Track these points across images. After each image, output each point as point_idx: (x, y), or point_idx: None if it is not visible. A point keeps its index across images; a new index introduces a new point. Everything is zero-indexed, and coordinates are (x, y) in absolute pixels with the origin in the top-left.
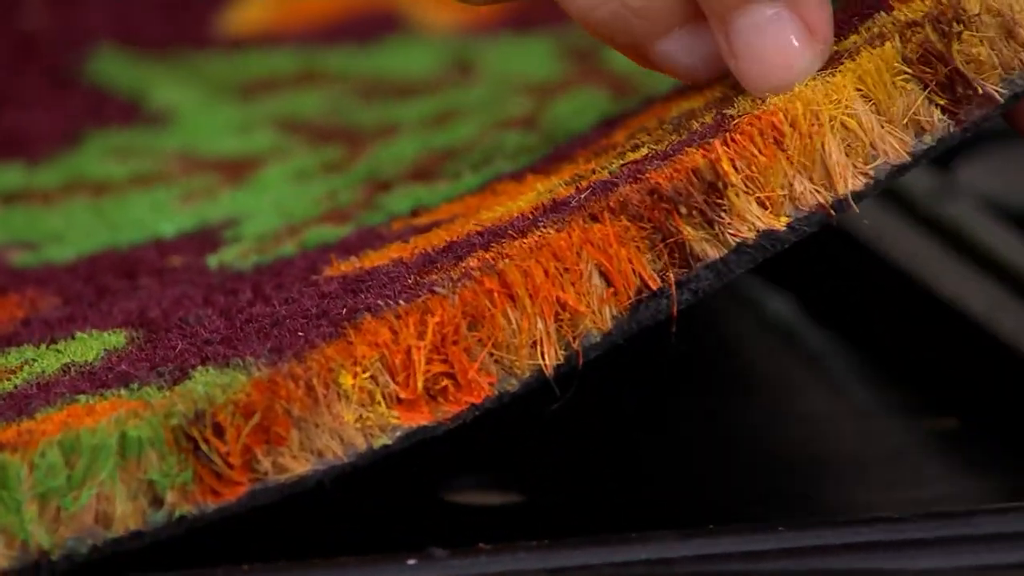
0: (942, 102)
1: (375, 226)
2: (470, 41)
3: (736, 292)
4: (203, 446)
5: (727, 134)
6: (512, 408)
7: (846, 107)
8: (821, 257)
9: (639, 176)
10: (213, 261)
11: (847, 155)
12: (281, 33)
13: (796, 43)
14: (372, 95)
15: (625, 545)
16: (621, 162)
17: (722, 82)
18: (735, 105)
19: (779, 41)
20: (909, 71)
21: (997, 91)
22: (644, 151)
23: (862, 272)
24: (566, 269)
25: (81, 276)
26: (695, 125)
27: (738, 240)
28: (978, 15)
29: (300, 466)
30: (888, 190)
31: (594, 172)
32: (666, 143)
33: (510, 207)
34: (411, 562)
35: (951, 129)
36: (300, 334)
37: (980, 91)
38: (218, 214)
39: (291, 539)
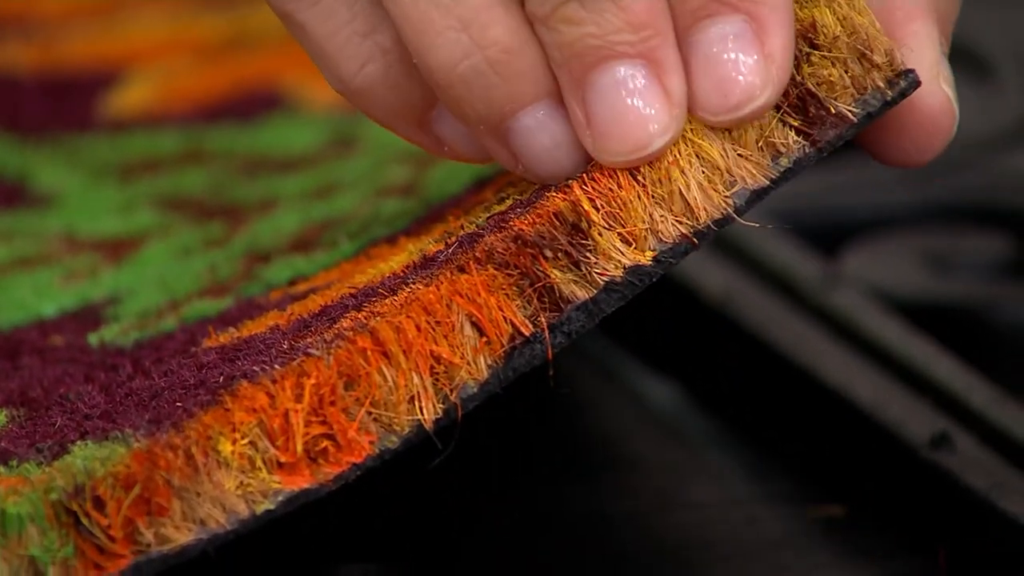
0: (796, 123)
1: (254, 296)
2: (353, 118)
3: (621, 380)
4: (84, 520)
5: (584, 175)
6: (397, 494)
7: (697, 137)
8: (706, 345)
9: (503, 225)
10: (94, 339)
11: (704, 184)
12: (164, 114)
13: (656, 107)
14: (254, 171)
15: None
16: (487, 215)
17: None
18: None
19: (641, 103)
20: None
21: (850, 111)
22: (509, 202)
23: (748, 360)
24: (437, 322)
25: None
26: None
27: (606, 279)
28: (835, 38)
29: (183, 536)
30: (775, 279)
31: (463, 228)
32: (530, 192)
33: (382, 268)
34: None
35: (807, 150)
36: (178, 404)
37: (833, 111)
38: (100, 292)
39: None
